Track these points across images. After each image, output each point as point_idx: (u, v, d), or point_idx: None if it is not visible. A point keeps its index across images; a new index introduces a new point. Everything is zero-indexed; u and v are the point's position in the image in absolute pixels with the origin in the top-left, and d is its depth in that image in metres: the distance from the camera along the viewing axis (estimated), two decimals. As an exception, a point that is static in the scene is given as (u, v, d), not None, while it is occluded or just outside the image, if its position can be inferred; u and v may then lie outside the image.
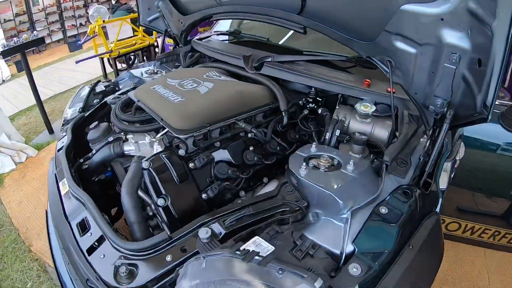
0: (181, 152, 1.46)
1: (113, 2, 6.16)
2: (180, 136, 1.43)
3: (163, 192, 1.33)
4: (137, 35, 5.26)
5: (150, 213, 1.43)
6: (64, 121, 2.08)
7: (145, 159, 1.41)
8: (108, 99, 2.02)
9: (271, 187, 1.68)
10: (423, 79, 1.18)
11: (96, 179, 1.75)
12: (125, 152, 1.63)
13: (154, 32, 5.48)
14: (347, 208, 1.10)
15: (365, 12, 1.29)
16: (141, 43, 5.33)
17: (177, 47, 2.81)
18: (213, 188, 1.40)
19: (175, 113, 1.49)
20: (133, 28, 5.21)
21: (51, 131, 4.54)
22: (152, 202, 1.34)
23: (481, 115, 1.08)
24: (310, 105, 1.78)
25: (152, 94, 1.70)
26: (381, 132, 1.50)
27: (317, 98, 1.78)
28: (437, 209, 1.26)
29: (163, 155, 1.41)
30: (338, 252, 1.04)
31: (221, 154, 1.54)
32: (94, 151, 1.66)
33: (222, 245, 0.96)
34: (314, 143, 1.44)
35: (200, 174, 1.43)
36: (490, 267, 2.44)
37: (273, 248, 0.92)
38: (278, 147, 1.66)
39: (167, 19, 2.61)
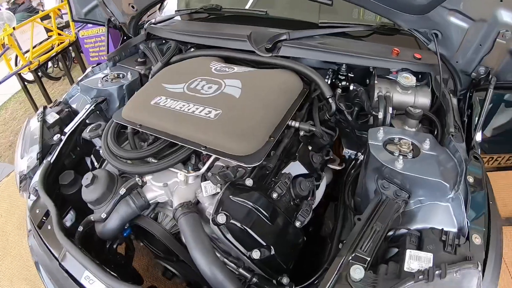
0: (249, 182, 1.08)
1: (6, 5, 4.83)
2: (252, 165, 1.05)
3: (263, 243, 1.01)
4: (53, 36, 4.18)
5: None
6: (21, 177, 1.42)
7: (212, 211, 1.01)
8: (84, 133, 1.41)
9: (326, 180, 1.45)
10: (469, 50, 1.21)
11: (115, 246, 1.25)
12: (151, 202, 1.16)
13: (71, 25, 4.44)
14: (452, 188, 1.03)
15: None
16: (60, 44, 4.29)
17: (124, 39, 2.16)
18: (305, 212, 1.14)
19: (226, 134, 1.09)
20: (46, 28, 4.10)
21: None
22: (241, 255, 1.03)
23: None
24: (343, 82, 1.51)
25: (160, 112, 1.20)
26: (424, 100, 1.39)
27: (349, 74, 1.51)
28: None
29: (235, 198, 1.04)
30: (455, 230, 1.00)
31: (293, 168, 1.21)
32: (103, 215, 1.12)
33: (403, 279, 0.84)
34: (381, 127, 1.21)
35: (283, 201, 1.12)
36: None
37: (431, 254, 0.89)
38: (328, 138, 1.38)
39: (110, 6, 1.92)
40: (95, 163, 1.38)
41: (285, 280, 1.07)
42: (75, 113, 1.70)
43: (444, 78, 1.35)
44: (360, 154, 1.39)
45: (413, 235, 0.96)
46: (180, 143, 1.14)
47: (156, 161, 1.17)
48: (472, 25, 1.13)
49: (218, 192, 1.08)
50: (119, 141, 1.28)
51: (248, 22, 1.77)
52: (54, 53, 4.11)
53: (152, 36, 2.06)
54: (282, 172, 1.19)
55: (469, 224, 0.97)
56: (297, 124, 1.30)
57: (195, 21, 2.04)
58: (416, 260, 0.88)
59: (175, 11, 2.03)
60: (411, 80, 1.36)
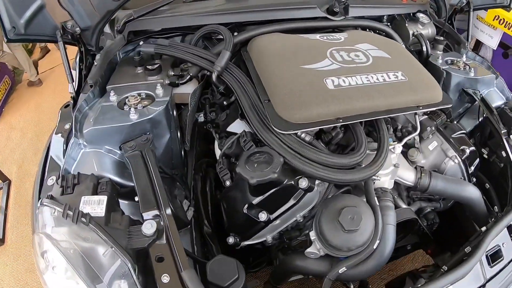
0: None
1: None
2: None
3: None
4: None
5: None
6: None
7: (456, 153, 1.11)
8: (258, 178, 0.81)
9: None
10: None
11: None
12: None
13: None
14: (495, 76, 1.38)
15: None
16: None
17: (84, 59, 1.29)
18: None
19: (429, 88, 1.06)
20: None
21: None
22: None
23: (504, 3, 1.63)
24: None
25: (353, 93, 0.92)
26: (433, 30, 1.60)
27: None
28: None
29: (454, 135, 1.18)
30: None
31: None
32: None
33: None
34: (439, 55, 1.39)
35: None
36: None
37: None
38: None
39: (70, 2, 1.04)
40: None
41: None
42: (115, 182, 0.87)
43: (433, 11, 1.64)
44: None
45: (508, 110, 1.26)
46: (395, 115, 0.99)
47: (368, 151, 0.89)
48: None
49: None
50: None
51: None
52: None
53: (132, 38, 1.31)
54: None
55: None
56: None
57: (190, 3, 1.39)
58: None
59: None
60: (426, 18, 1.57)
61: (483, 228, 0.96)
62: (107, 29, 1.28)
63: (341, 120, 0.87)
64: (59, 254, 0.64)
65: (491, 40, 2.05)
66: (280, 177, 0.79)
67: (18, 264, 1.80)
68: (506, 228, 0.96)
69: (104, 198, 0.74)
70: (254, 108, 0.91)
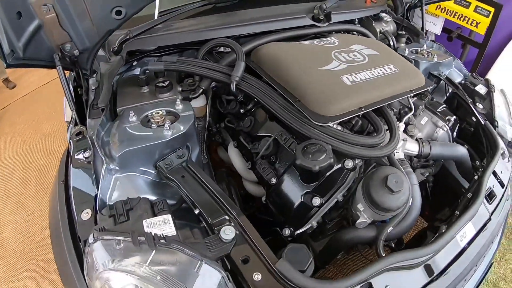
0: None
1: None
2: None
3: None
4: None
5: None
6: None
7: (445, 122, 1.29)
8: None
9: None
10: None
11: None
12: None
13: None
14: (453, 58, 1.61)
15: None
16: None
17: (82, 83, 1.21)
18: None
19: (416, 74, 1.22)
20: None
21: None
22: None
23: None
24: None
25: (366, 86, 1.06)
26: (394, 25, 1.79)
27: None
28: None
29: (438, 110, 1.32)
30: (463, 77, 1.61)
31: None
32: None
33: None
34: (406, 47, 1.56)
35: None
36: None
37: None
38: None
39: (66, 21, 0.96)
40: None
41: None
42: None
43: (391, 8, 1.84)
44: None
45: (469, 84, 1.46)
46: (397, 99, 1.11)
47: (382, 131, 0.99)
48: None
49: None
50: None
51: (247, 5, 1.43)
52: None
53: (128, 58, 1.26)
54: None
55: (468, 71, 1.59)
56: None
57: (183, 20, 1.37)
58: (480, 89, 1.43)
59: (159, 14, 1.26)
60: (388, 16, 1.77)
61: (476, 177, 1.14)
62: (99, 51, 1.21)
63: (363, 109, 1.00)
64: (147, 284, 0.60)
65: (435, 27, 2.34)
66: (334, 162, 0.87)
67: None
68: (492, 173, 1.14)
69: (168, 217, 0.71)
70: (285, 109, 0.96)
